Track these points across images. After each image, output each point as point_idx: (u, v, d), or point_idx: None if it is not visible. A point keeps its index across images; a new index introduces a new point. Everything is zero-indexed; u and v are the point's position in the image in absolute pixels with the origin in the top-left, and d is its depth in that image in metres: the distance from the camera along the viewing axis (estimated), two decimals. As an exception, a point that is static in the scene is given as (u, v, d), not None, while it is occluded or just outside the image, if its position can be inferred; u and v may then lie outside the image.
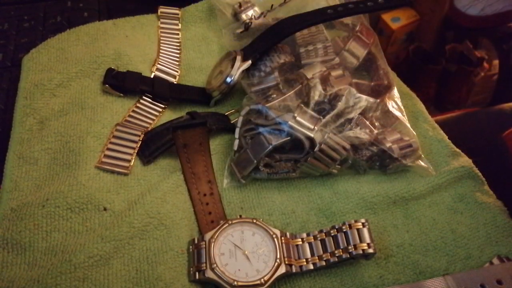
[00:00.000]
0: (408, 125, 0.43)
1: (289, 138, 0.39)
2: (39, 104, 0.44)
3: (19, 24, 0.55)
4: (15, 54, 0.52)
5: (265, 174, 0.40)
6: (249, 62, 0.45)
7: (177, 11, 0.56)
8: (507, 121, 0.48)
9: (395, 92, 0.45)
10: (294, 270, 0.35)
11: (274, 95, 0.42)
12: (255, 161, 0.39)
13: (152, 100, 0.46)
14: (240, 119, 0.41)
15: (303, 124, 0.39)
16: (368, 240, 0.35)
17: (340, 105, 0.41)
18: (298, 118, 0.39)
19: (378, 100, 0.42)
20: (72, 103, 0.45)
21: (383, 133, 0.42)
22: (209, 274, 0.34)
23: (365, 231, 0.35)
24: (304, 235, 0.37)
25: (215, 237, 0.36)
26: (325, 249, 0.36)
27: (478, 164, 0.42)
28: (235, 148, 0.41)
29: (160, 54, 0.51)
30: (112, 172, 0.40)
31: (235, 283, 0.33)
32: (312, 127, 0.39)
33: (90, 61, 0.47)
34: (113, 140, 0.42)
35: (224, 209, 0.39)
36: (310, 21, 0.45)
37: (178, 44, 0.53)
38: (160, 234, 0.37)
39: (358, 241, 0.35)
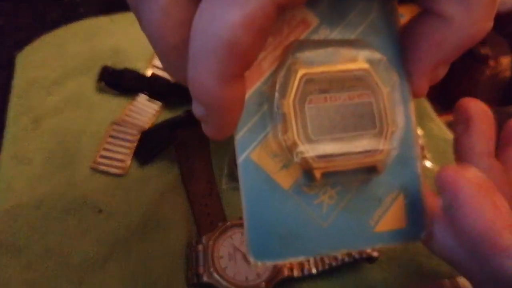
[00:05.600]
0: None
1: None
2: (34, 102, 0.43)
3: (15, 21, 0.54)
4: (11, 51, 0.51)
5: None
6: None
7: (175, 7, 0.55)
8: None
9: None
10: (295, 274, 0.34)
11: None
12: (255, 161, 0.38)
13: (150, 98, 0.45)
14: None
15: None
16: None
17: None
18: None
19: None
20: (68, 101, 0.44)
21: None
22: (208, 277, 0.33)
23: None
24: (306, 237, 0.36)
25: (214, 239, 0.35)
26: (327, 252, 0.35)
27: None
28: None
29: (158, 51, 0.50)
30: (108, 172, 0.40)
31: (234, 287, 0.33)
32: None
33: (86, 58, 0.46)
34: (109, 139, 0.41)
35: (223, 210, 0.38)
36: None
37: (176, 41, 0.52)
38: (157, 236, 0.36)
39: (361, 244, 0.34)
